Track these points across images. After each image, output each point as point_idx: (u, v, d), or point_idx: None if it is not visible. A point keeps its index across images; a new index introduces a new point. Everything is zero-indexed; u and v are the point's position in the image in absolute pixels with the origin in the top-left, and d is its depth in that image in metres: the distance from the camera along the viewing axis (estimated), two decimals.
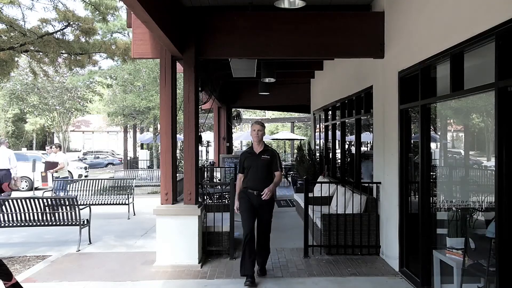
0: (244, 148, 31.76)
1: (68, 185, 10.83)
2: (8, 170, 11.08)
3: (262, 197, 5.18)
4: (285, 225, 8.82)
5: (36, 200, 7.12)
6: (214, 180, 11.50)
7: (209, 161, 16.78)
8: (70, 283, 5.39)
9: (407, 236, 5.51)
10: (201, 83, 7.57)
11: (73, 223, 7.12)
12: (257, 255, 5.40)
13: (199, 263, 5.90)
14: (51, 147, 11.73)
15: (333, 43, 6.22)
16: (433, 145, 5.33)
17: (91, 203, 9.19)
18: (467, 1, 3.98)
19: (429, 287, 4.88)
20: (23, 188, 17.77)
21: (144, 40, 6.17)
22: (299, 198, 9.53)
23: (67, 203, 7.22)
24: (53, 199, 7.31)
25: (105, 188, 10.67)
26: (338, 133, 9.75)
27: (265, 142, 5.54)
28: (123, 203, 10.07)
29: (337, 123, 9.66)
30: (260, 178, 5.32)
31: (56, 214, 7.21)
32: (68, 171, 21.16)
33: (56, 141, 34.52)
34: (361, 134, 7.87)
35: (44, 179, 12.00)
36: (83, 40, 10.39)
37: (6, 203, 7.03)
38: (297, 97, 13.83)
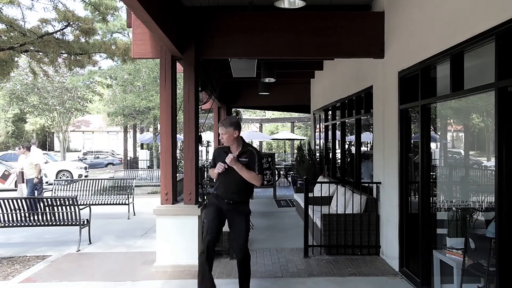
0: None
1: (68, 185, 10.84)
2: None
3: (227, 159, 4.32)
4: (285, 225, 8.82)
5: (36, 200, 7.12)
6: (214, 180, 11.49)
7: (209, 161, 16.77)
8: (70, 283, 5.39)
9: (407, 236, 5.52)
10: (201, 83, 7.56)
11: (73, 223, 7.13)
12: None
13: None
14: (19, 148, 10.79)
15: (333, 43, 6.22)
16: (433, 145, 5.33)
17: (91, 203, 9.20)
18: (467, 1, 3.98)
19: (429, 287, 4.88)
20: None
21: (144, 40, 6.18)
22: (299, 198, 9.53)
23: (67, 203, 7.22)
24: (53, 199, 7.32)
25: (105, 188, 10.67)
26: (338, 133, 9.75)
27: (244, 140, 4.64)
28: (123, 203, 10.07)
29: (337, 123, 9.66)
30: (234, 186, 4.47)
31: (56, 214, 7.21)
32: (68, 171, 21.27)
33: (56, 141, 34.51)
34: (361, 134, 7.87)
35: (5, 177, 11.88)
36: (83, 40, 10.39)
37: (6, 202, 7.04)
38: (297, 97, 13.82)
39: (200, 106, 8.12)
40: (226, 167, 4.37)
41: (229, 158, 4.32)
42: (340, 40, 6.20)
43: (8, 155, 23.62)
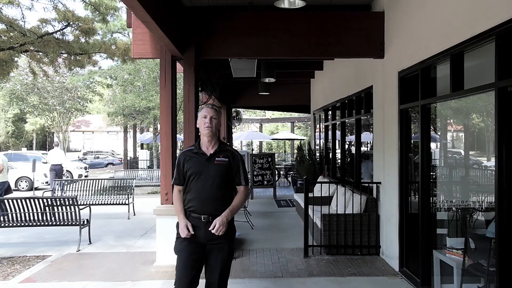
0: (244, 148, 31.57)
1: (67, 185, 10.85)
2: (61, 165, 14.66)
3: (213, 230, 3.23)
4: (285, 225, 8.82)
5: (36, 200, 7.12)
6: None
7: None
8: (70, 283, 5.40)
9: (407, 236, 5.51)
10: (201, 83, 7.57)
11: (73, 223, 7.12)
12: None
13: None
14: None
15: (333, 43, 6.22)
16: (433, 145, 5.33)
17: (91, 203, 9.19)
18: (467, 1, 3.98)
19: (429, 287, 4.88)
20: (23, 188, 17.79)
21: (144, 40, 6.18)
22: (299, 198, 9.53)
23: (67, 203, 7.22)
24: (53, 199, 7.32)
25: (105, 188, 10.67)
26: (338, 133, 9.75)
27: (221, 139, 3.65)
28: (123, 203, 10.07)
29: (337, 123, 9.66)
30: (212, 195, 3.33)
31: (56, 214, 7.21)
32: (68, 171, 21.26)
33: (56, 141, 34.60)
34: (361, 134, 7.87)
35: None
36: (83, 40, 10.38)
37: (6, 203, 7.03)
38: (297, 97, 13.84)
39: (200, 106, 8.12)
40: (192, 233, 3.30)
41: (218, 230, 3.23)
42: (340, 40, 6.20)
43: (8, 155, 23.64)
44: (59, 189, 10.73)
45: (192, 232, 3.29)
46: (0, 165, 9.49)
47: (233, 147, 18.29)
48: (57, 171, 14.52)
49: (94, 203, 9.80)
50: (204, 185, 3.34)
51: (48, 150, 35.74)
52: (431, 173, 5.13)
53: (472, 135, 5.62)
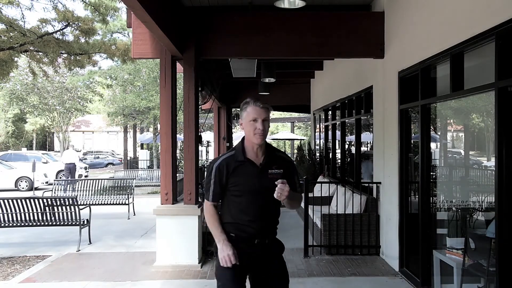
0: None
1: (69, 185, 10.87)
2: (74, 163, 16.60)
3: (277, 195, 2.55)
4: (285, 225, 8.80)
5: (36, 200, 7.12)
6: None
7: (209, 161, 16.79)
8: (70, 283, 5.40)
9: (407, 236, 5.51)
10: (201, 83, 7.57)
11: (73, 223, 7.12)
12: None
13: (199, 263, 5.90)
14: None
15: (333, 43, 6.22)
16: (433, 145, 5.33)
17: (91, 203, 9.19)
18: (467, 1, 3.98)
19: (429, 287, 4.88)
20: (23, 188, 17.80)
21: (144, 40, 6.18)
22: None
23: (67, 203, 7.22)
24: (53, 199, 7.32)
25: (105, 188, 10.67)
26: (338, 133, 9.75)
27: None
28: (123, 203, 10.07)
29: (337, 123, 9.66)
30: (266, 214, 2.75)
31: (56, 214, 7.21)
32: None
33: (56, 141, 34.59)
34: (361, 134, 7.87)
35: None
36: (82, 40, 10.38)
37: (6, 202, 7.04)
38: (297, 97, 13.82)
39: (200, 106, 8.12)
40: (236, 263, 2.64)
41: (284, 188, 2.55)
42: (340, 40, 6.20)
43: (8, 155, 23.65)
44: (61, 189, 10.75)
45: (237, 263, 2.64)
46: None
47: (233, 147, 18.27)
48: (71, 169, 16.45)
49: (94, 203, 9.79)
50: (266, 205, 2.71)
51: (48, 150, 35.86)
52: (431, 173, 5.13)
53: (472, 135, 5.63)
